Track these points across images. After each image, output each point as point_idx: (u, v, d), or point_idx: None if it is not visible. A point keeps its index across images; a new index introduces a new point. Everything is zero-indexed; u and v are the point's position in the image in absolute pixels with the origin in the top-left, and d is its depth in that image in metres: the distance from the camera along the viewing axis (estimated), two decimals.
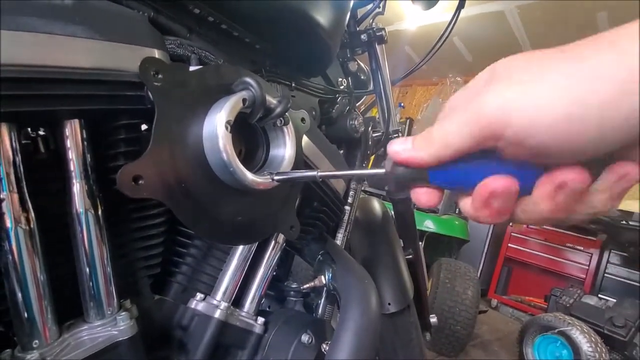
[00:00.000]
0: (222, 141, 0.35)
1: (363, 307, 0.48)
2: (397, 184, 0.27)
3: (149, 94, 0.34)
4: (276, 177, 0.39)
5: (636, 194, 2.29)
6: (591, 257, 3.28)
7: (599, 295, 2.82)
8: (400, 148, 0.27)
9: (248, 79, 0.37)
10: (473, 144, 0.24)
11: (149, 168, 0.32)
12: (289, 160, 0.42)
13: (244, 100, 0.37)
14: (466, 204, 0.27)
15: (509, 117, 0.22)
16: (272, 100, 0.40)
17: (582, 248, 3.33)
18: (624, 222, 2.37)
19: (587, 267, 3.29)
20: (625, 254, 3.07)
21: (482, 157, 0.25)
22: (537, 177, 0.24)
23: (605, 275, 3.20)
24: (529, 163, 0.24)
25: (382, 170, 0.28)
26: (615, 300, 2.48)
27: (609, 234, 3.01)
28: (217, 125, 0.35)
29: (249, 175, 0.37)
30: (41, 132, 0.38)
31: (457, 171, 0.26)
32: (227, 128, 0.34)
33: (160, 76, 0.33)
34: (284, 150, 0.42)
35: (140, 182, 0.31)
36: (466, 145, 0.24)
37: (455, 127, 0.24)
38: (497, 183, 0.24)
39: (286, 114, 0.42)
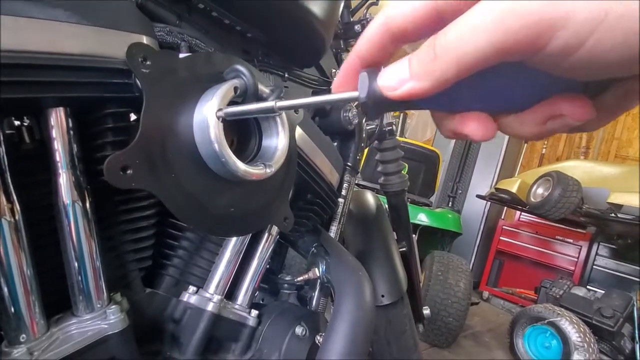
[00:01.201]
0: (213, 131, 0.34)
1: (357, 298, 0.48)
2: (376, 108, 0.22)
3: (137, 81, 0.33)
4: (227, 111, 0.33)
5: (635, 187, 2.32)
6: (580, 249, 3.35)
7: (588, 287, 2.88)
8: (395, 81, 0.20)
9: (239, 67, 0.36)
10: (497, 57, 0.17)
11: (137, 157, 0.31)
12: (282, 151, 0.41)
13: (235, 88, 0.36)
14: (456, 122, 0.22)
15: (573, 12, 0.15)
16: (264, 89, 0.39)
17: (571, 241, 3.40)
18: (613, 214, 2.41)
19: (576, 259, 3.36)
20: (613, 247, 3.14)
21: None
22: (538, 98, 0.20)
23: (594, 267, 3.27)
24: (539, 77, 0.19)
25: (355, 94, 0.23)
26: (603, 292, 2.54)
27: (598, 227, 3.07)
28: (208, 115, 0.34)
29: (242, 166, 0.36)
30: (26, 122, 0.37)
31: (456, 91, 0.20)
32: (218, 117, 0.33)
33: (148, 63, 0.32)
34: (277, 141, 0.41)
35: (128, 172, 0.30)
36: (488, 59, 0.17)
37: (474, 34, 0.17)
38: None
39: None
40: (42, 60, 0.30)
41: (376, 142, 0.96)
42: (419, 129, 4.49)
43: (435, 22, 0.20)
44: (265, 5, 0.51)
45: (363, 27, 0.83)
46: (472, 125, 0.21)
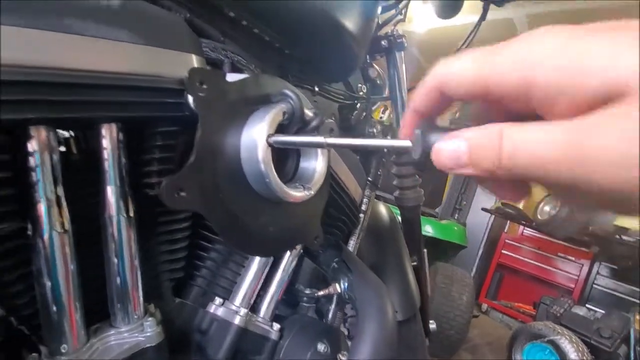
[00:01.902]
0: (261, 153, 0.34)
1: (381, 320, 0.49)
2: (428, 161, 0.23)
3: (189, 102, 0.34)
4: (273, 139, 0.34)
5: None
6: (581, 267, 3.34)
7: (587, 306, 2.88)
8: (452, 163, 0.20)
9: (288, 92, 0.37)
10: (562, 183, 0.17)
11: (190, 180, 0.31)
12: (321, 174, 0.42)
13: (283, 112, 0.36)
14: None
15: None
16: (309, 113, 0.39)
17: (573, 258, 3.39)
18: (618, 236, 2.41)
19: (576, 277, 3.35)
20: (614, 267, 3.14)
21: None
22: None
23: (594, 286, 3.26)
24: None
25: (407, 144, 0.24)
26: (603, 312, 2.54)
27: (601, 247, 3.07)
28: (257, 138, 0.34)
29: (285, 188, 0.37)
30: (72, 132, 0.37)
31: None
32: (268, 143, 0.34)
33: (204, 86, 0.33)
34: (316, 163, 0.42)
35: (182, 194, 0.31)
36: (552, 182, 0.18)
37: (545, 158, 0.17)
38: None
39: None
40: (102, 79, 0.31)
41: (394, 156, 0.97)
42: None
43: (486, 95, 0.20)
44: (304, 22, 0.52)
45: (390, 42, 0.83)
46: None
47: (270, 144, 0.34)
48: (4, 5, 0.26)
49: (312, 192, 0.40)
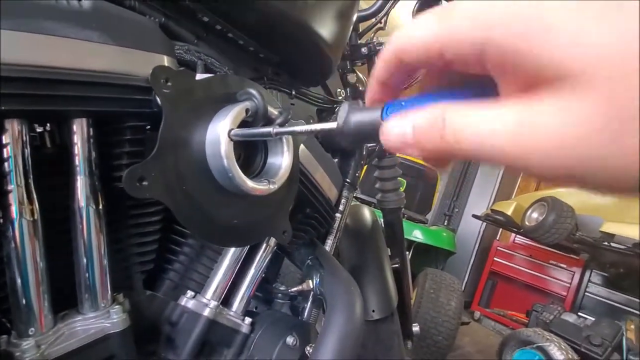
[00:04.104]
0: (223, 148, 0.37)
1: (348, 313, 0.50)
2: (351, 138, 0.25)
3: (157, 99, 0.36)
4: (234, 133, 0.37)
5: (635, 218, 2.34)
6: (573, 275, 3.36)
7: (579, 314, 2.89)
8: (399, 142, 0.20)
9: (251, 90, 0.39)
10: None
11: (153, 170, 0.33)
12: (286, 169, 0.44)
13: (247, 110, 0.39)
14: None
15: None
16: (273, 111, 0.42)
17: (565, 266, 3.41)
18: (605, 243, 2.44)
19: (569, 285, 3.37)
20: (606, 274, 3.16)
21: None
22: None
23: (586, 294, 3.28)
24: None
25: (333, 125, 0.26)
26: (593, 319, 2.54)
27: (591, 254, 3.09)
28: (220, 133, 0.36)
29: (247, 181, 0.39)
30: (47, 127, 0.39)
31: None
32: (230, 137, 0.36)
33: (169, 84, 0.35)
34: (282, 159, 0.44)
35: (144, 183, 0.33)
36: (497, 162, 0.18)
37: (490, 140, 0.17)
38: None
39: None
40: (72, 76, 0.33)
41: (376, 159, 0.99)
42: None
43: (441, 60, 0.19)
44: (277, 28, 0.54)
45: (370, 50, 0.86)
46: None
47: (231, 138, 0.37)
48: None
49: (276, 186, 0.42)
